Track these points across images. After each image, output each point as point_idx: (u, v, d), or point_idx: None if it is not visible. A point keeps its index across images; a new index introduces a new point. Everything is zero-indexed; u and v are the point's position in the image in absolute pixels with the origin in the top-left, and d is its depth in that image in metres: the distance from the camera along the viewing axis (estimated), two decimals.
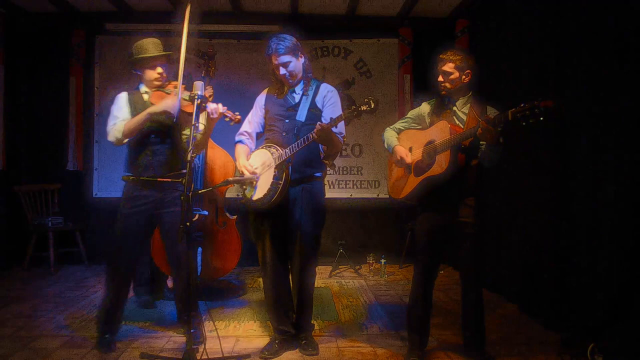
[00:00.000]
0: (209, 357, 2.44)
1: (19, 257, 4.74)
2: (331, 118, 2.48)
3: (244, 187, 2.77)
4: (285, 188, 2.57)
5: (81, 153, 5.03)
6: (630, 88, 2.53)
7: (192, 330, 2.76)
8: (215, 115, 2.62)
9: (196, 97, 2.54)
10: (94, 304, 3.64)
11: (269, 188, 2.55)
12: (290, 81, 2.69)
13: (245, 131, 2.83)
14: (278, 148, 2.62)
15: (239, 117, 2.57)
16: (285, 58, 2.62)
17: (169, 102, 2.66)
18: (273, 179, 2.56)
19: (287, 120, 2.68)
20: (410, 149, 2.68)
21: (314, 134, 2.44)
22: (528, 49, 3.53)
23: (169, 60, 2.88)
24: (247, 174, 2.68)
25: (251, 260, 5.10)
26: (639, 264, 2.47)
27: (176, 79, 2.63)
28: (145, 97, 2.77)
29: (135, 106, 2.75)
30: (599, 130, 2.75)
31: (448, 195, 2.50)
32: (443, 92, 2.57)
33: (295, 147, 2.53)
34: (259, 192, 2.63)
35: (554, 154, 3.16)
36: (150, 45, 2.78)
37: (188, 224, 2.32)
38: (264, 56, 2.71)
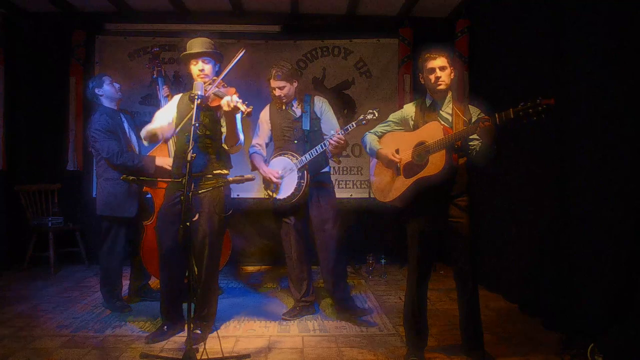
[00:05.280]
0: (209, 357, 2.43)
1: (19, 257, 4.74)
2: (344, 130, 3.00)
3: (269, 188, 3.31)
4: (307, 186, 3.18)
5: (81, 153, 5.02)
6: (630, 87, 2.53)
7: (198, 330, 2.78)
8: (230, 107, 2.59)
9: (196, 97, 2.56)
10: (94, 304, 3.64)
11: (295, 187, 3.17)
12: (283, 100, 3.25)
13: (257, 143, 3.42)
14: (295, 154, 3.22)
15: (250, 109, 2.56)
16: (281, 83, 3.19)
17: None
18: (297, 179, 3.17)
19: (295, 130, 3.26)
20: (397, 151, 2.66)
21: (330, 147, 3.00)
22: (528, 49, 3.53)
23: (216, 58, 2.96)
24: (274, 179, 3.24)
25: (251, 261, 5.15)
26: (639, 264, 2.48)
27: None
28: (191, 104, 2.63)
29: (179, 110, 2.97)
30: (599, 130, 2.75)
31: (440, 195, 2.49)
32: (441, 88, 2.52)
33: (313, 152, 3.14)
34: (285, 192, 3.22)
35: (555, 153, 3.16)
36: (194, 43, 2.91)
37: (188, 223, 2.35)
38: (265, 80, 3.29)
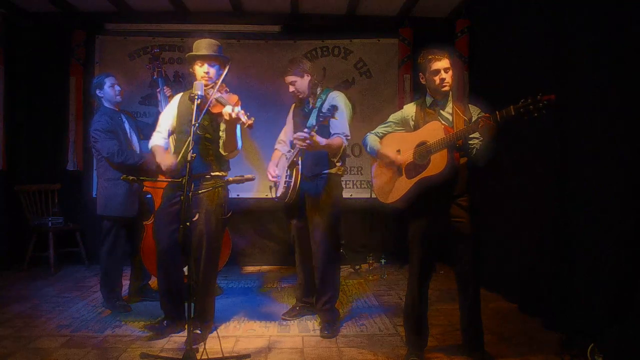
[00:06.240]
0: (209, 357, 2.43)
1: (19, 257, 4.74)
2: (308, 128, 2.83)
3: (271, 187, 3.32)
4: (297, 185, 3.02)
5: (81, 153, 5.02)
6: (630, 87, 2.53)
7: (198, 330, 2.78)
8: (231, 118, 2.59)
9: (196, 97, 2.56)
10: (94, 304, 3.64)
11: (285, 187, 3.08)
12: (299, 96, 3.17)
13: (281, 139, 3.41)
14: (292, 152, 3.08)
15: (251, 121, 2.56)
16: (291, 78, 3.11)
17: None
18: (286, 178, 3.07)
19: (302, 127, 3.07)
20: (398, 152, 2.65)
21: (299, 144, 2.80)
22: (528, 49, 3.53)
23: (221, 62, 2.95)
24: (269, 178, 3.23)
25: (251, 261, 5.15)
26: (638, 264, 2.48)
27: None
28: (193, 105, 2.62)
29: (179, 110, 2.99)
30: (599, 130, 2.75)
31: (442, 195, 2.49)
32: (446, 90, 2.53)
33: (295, 151, 2.98)
34: (279, 190, 3.19)
35: (554, 154, 3.16)
36: (202, 45, 2.90)
37: (188, 223, 2.34)
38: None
